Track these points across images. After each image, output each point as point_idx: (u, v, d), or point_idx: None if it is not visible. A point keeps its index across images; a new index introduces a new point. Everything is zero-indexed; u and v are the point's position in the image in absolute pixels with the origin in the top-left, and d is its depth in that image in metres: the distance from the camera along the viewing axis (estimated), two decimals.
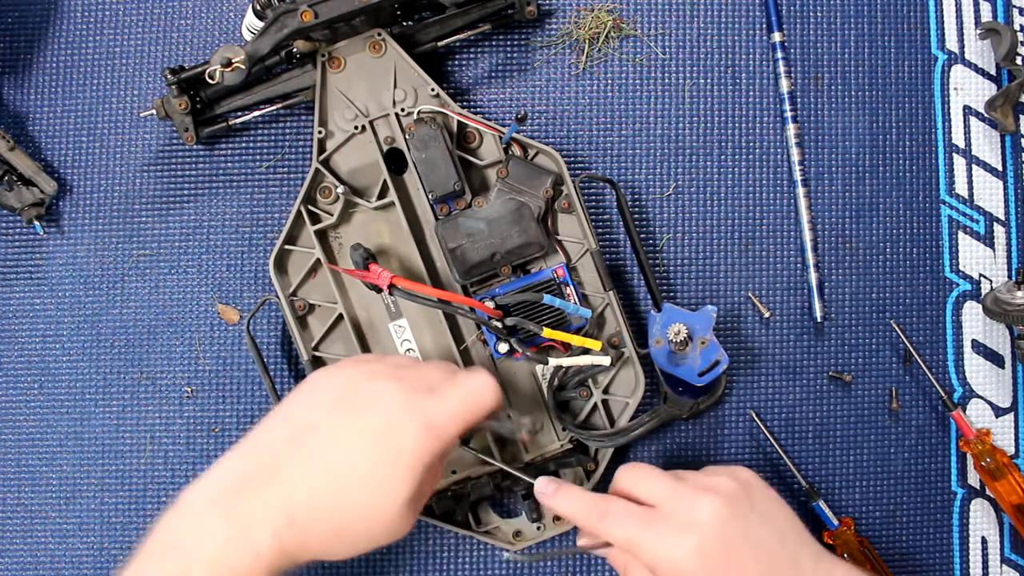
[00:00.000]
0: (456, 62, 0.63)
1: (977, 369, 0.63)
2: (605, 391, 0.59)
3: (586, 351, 0.56)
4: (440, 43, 0.60)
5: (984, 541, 0.63)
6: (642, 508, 0.48)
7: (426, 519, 0.58)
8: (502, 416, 0.57)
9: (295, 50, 0.58)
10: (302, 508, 0.43)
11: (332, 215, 0.58)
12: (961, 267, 0.64)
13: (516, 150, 0.58)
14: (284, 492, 0.43)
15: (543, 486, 0.50)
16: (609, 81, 0.63)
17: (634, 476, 0.50)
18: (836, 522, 0.60)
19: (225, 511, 0.43)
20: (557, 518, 0.58)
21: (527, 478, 0.53)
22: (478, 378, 0.47)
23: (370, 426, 0.44)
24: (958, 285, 0.64)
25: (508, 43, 0.63)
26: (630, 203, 0.63)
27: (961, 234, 0.64)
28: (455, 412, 0.45)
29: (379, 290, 0.53)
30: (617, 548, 0.48)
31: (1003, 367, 0.64)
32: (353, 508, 0.43)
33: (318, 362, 0.59)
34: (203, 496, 0.44)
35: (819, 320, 0.62)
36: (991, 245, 0.64)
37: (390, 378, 0.46)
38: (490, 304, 0.56)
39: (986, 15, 0.65)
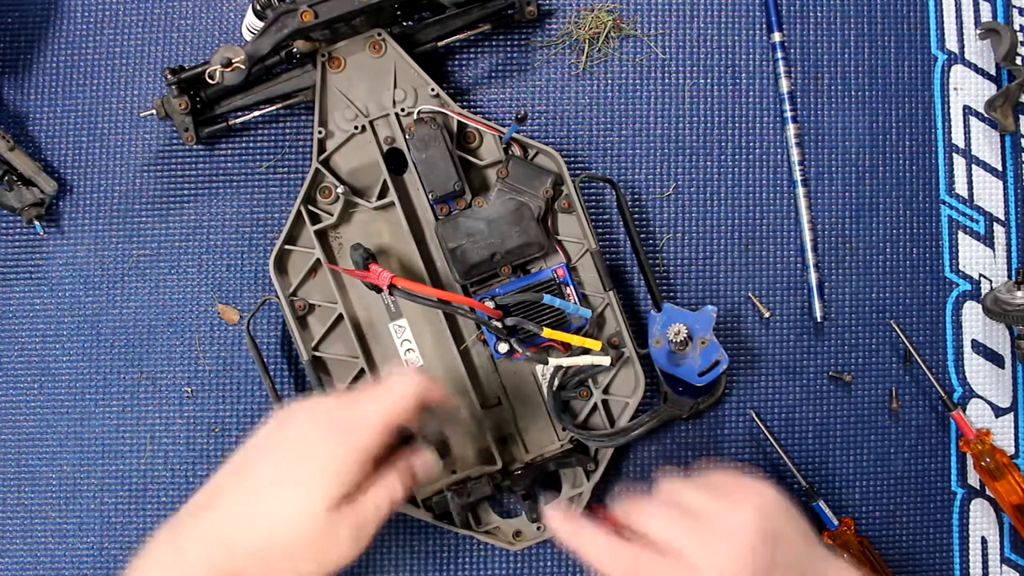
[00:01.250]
0: (456, 62, 0.63)
1: (977, 369, 0.63)
2: (605, 391, 0.59)
3: (586, 351, 0.56)
4: (440, 43, 0.60)
5: (984, 541, 0.63)
6: (668, 566, 0.45)
7: (426, 519, 0.58)
8: (451, 412, 0.53)
9: (295, 50, 0.58)
10: (230, 529, 0.46)
11: (332, 215, 0.58)
12: (961, 267, 0.64)
13: (516, 150, 0.58)
14: (216, 517, 0.46)
15: (558, 522, 0.49)
16: (609, 81, 0.63)
17: (645, 517, 0.48)
18: (836, 522, 0.60)
19: (170, 537, 0.47)
20: None
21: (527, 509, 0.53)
22: (395, 376, 0.49)
23: (286, 443, 0.47)
24: (958, 285, 0.64)
25: (508, 43, 0.63)
26: (630, 203, 0.63)
27: (961, 234, 0.64)
28: (366, 411, 0.47)
29: (379, 290, 0.53)
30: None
31: (1003, 367, 0.64)
32: (272, 520, 0.45)
33: (318, 362, 0.59)
34: (163, 528, 0.48)
35: (819, 320, 0.62)
36: (991, 245, 0.64)
37: (305, 405, 0.48)
38: (490, 304, 0.56)
39: (986, 15, 0.65)
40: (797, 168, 0.63)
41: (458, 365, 0.57)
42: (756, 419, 0.62)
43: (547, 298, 0.54)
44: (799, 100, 0.64)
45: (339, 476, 0.45)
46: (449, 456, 0.54)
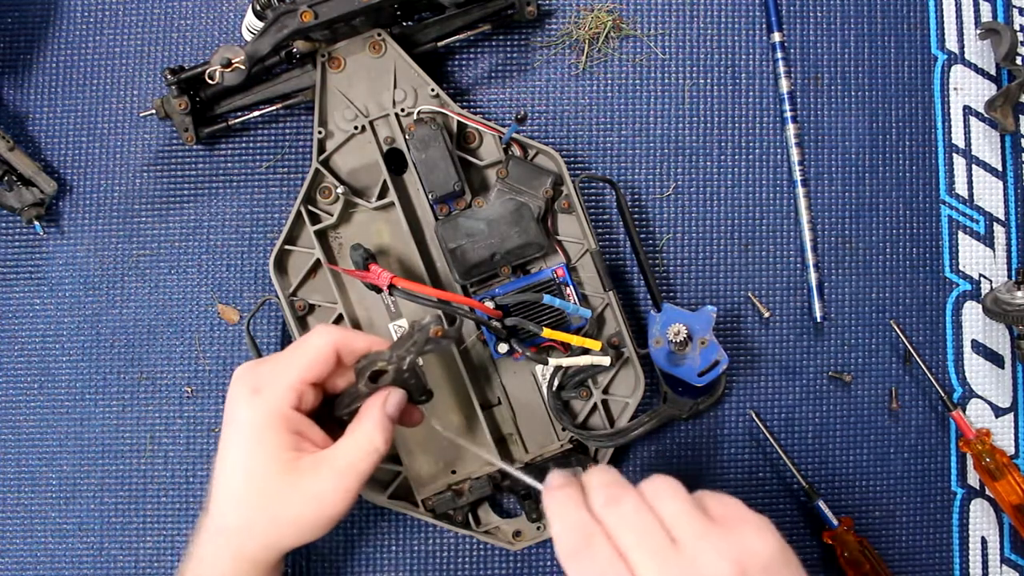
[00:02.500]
0: (456, 62, 0.63)
1: (977, 369, 0.63)
2: (605, 391, 0.59)
3: (586, 351, 0.56)
4: (440, 43, 0.60)
5: (984, 541, 0.63)
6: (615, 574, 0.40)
7: (426, 519, 0.58)
8: (392, 347, 0.49)
9: (295, 50, 0.58)
10: (218, 515, 0.48)
11: (332, 215, 0.58)
12: (961, 267, 0.64)
13: (516, 150, 0.58)
14: (210, 509, 0.48)
15: (556, 476, 0.44)
16: (609, 81, 0.63)
17: (618, 516, 0.41)
18: (836, 522, 0.60)
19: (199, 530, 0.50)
20: None
21: (528, 479, 0.47)
22: (312, 331, 0.49)
23: (226, 418, 0.49)
24: (958, 285, 0.64)
25: (508, 43, 0.63)
26: (630, 203, 0.63)
27: (961, 234, 0.64)
28: (277, 367, 0.48)
29: (379, 290, 0.53)
30: None
31: (1003, 367, 0.64)
32: (238, 492, 0.47)
33: None
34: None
35: (819, 320, 0.62)
36: (991, 245, 0.64)
37: (240, 371, 0.49)
38: (490, 304, 0.56)
39: (986, 15, 0.65)
40: (797, 168, 0.63)
41: (458, 365, 0.57)
42: (756, 419, 0.62)
43: (547, 298, 0.54)
44: (799, 100, 0.64)
45: (265, 434, 0.47)
46: (430, 395, 0.50)
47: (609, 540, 0.41)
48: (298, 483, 0.46)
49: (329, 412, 0.50)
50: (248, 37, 0.61)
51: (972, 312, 0.64)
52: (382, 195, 0.58)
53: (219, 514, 0.48)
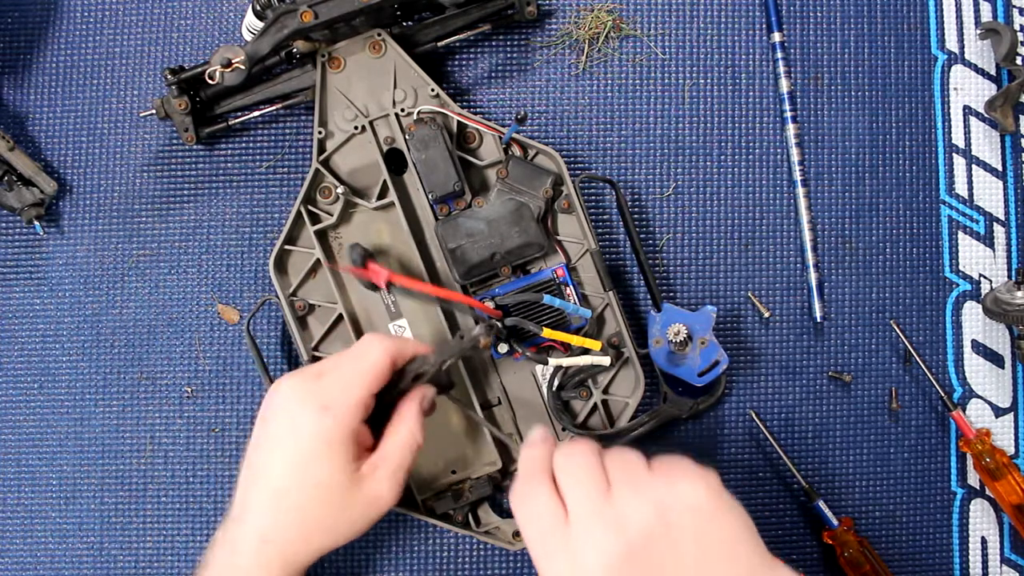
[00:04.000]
0: (456, 62, 0.63)
1: (977, 369, 0.63)
2: (605, 391, 0.59)
3: (586, 351, 0.56)
4: (440, 43, 0.60)
5: (984, 541, 0.63)
6: (551, 512, 0.43)
7: (426, 519, 0.58)
8: (437, 353, 0.52)
9: (295, 50, 0.58)
10: (268, 533, 0.48)
11: (332, 215, 0.58)
12: (961, 267, 0.64)
13: (516, 150, 0.58)
14: (251, 520, 0.49)
15: (538, 433, 0.48)
16: (609, 81, 0.63)
17: (566, 462, 0.45)
18: (836, 522, 0.60)
19: (223, 539, 0.50)
20: None
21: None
22: (359, 343, 0.50)
23: (281, 432, 0.49)
24: (958, 285, 0.64)
25: (508, 43, 0.63)
26: (630, 203, 0.63)
27: (961, 234, 0.64)
28: (342, 383, 0.48)
29: (377, 288, 0.53)
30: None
31: (1003, 367, 0.64)
32: (294, 507, 0.48)
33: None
34: (219, 531, 0.51)
35: (819, 320, 0.62)
36: (991, 245, 0.64)
37: (288, 385, 0.49)
38: (490, 304, 0.56)
39: (986, 15, 0.65)
40: (797, 168, 0.63)
41: (458, 365, 0.57)
42: (756, 419, 0.62)
43: (547, 298, 0.54)
44: (799, 100, 0.64)
45: (337, 451, 0.48)
46: (453, 386, 0.54)
47: (551, 484, 0.44)
48: (359, 490, 0.48)
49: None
50: (248, 37, 0.61)
51: (972, 312, 0.64)
52: (382, 195, 0.58)
53: (270, 526, 0.48)
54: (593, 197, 0.63)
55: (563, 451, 0.45)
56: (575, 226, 0.58)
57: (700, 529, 0.41)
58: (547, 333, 0.54)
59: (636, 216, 0.63)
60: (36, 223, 0.61)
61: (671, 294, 0.63)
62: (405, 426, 0.50)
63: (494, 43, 0.63)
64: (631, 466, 0.44)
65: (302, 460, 0.48)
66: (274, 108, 0.60)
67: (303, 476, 0.48)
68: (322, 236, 0.58)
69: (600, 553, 0.41)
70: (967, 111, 0.64)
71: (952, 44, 0.65)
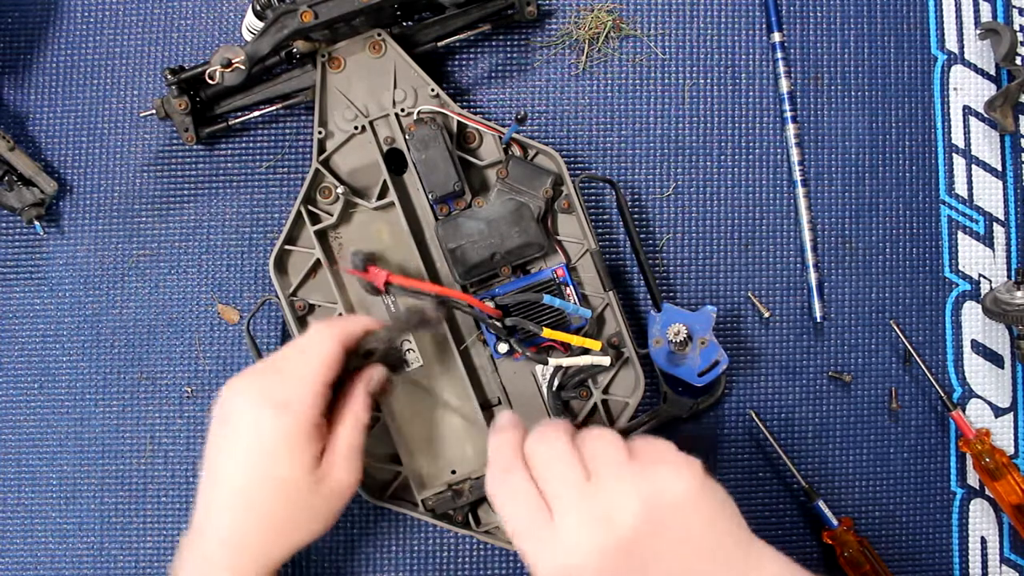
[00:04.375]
0: (456, 62, 0.63)
1: (977, 369, 0.63)
2: (605, 391, 0.59)
3: (586, 351, 0.56)
4: (440, 43, 0.60)
5: (984, 541, 0.63)
6: (532, 505, 0.42)
7: (426, 519, 0.58)
8: (386, 328, 0.52)
9: (295, 50, 0.58)
10: (233, 528, 0.48)
11: (332, 215, 0.58)
12: (961, 267, 0.64)
13: (516, 150, 0.58)
14: (216, 523, 0.48)
15: (503, 418, 0.47)
16: (609, 81, 0.63)
17: (542, 449, 0.44)
18: (836, 522, 0.60)
19: (188, 545, 0.49)
20: None
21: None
22: (308, 333, 0.50)
23: (240, 432, 0.48)
24: (958, 285, 0.64)
25: (508, 43, 0.63)
26: (630, 203, 0.63)
27: (961, 234, 0.64)
28: (297, 377, 0.48)
29: (378, 292, 0.53)
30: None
31: (1003, 367, 0.64)
32: (263, 507, 0.47)
33: None
34: (184, 538, 0.50)
35: (819, 320, 0.62)
36: (991, 245, 0.64)
37: (243, 384, 0.49)
38: (490, 304, 0.56)
39: (986, 15, 0.65)
40: (797, 168, 0.63)
41: (458, 365, 0.57)
42: (756, 419, 0.62)
43: (547, 298, 0.54)
44: (799, 100, 0.64)
45: (298, 448, 0.47)
46: (404, 365, 0.55)
47: (529, 473, 0.43)
48: (320, 483, 0.48)
49: None
50: (248, 37, 0.61)
51: (972, 312, 0.64)
52: (382, 195, 0.58)
53: (235, 528, 0.48)
54: (593, 197, 0.63)
55: (535, 437, 0.44)
56: (575, 226, 0.58)
57: (686, 519, 0.41)
58: (547, 333, 0.54)
59: (636, 216, 0.63)
60: (36, 223, 0.61)
61: (671, 294, 0.63)
62: (351, 410, 0.50)
63: (494, 43, 0.63)
64: (611, 452, 0.43)
65: (264, 459, 0.47)
66: (274, 108, 0.60)
67: (265, 475, 0.47)
68: (322, 236, 0.58)
69: (589, 549, 0.40)
70: (967, 111, 0.64)
71: (952, 44, 0.65)
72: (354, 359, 0.51)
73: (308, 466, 0.48)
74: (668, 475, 0.42)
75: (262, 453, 0.47)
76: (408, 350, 0.58)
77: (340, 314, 0.58)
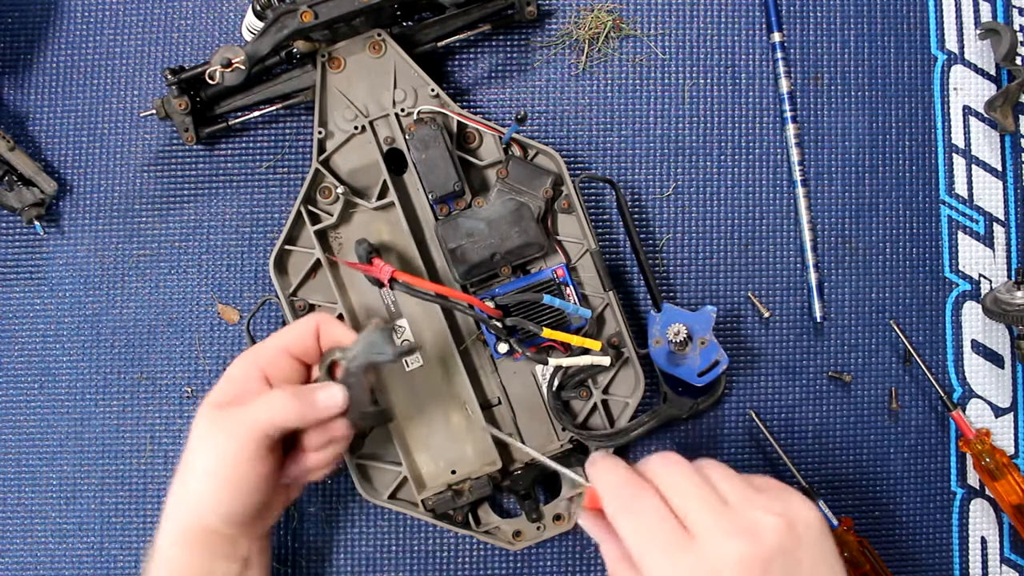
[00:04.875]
0: (456, 62, 0.63)
1: (977, 369, 0.63)
2: (605, 391, 0.59)
3: (586, 351, 0.56)
4: (440, 43, 0.60)
5: (984, 541, 0.63)
6: (669, 525, 0.42)
7: (426, 519, 0.58)
8: (356, 343, 0.51)
9: (295, 50, 0.58)
10: (178, 493, 0.50)
11: (332, 215, 0.58)
12: (961, 267, 0.64)
13: (516, 150, 0.58)
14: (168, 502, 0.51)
15: (596, 456, 0.47)
16: (609, 81, 0.63)
17: (670, 476, 0.44)
18: (836, 522, 0.60)
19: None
20: (557, 517, 0.58)
21: (569, 472, 0.49)
22: (305, 314, 0.54)
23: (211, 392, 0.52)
24: (958, 285, 0.64)
25: (508, 43, 0.63)
26: (630, 203, 0.63)
27: (961, 234, 0.64)
28: (228, 376, 0.51)
29: (380, 284, 0.53)
30: (618, 544, 0.45)
31: (1003, 367, 0.64)
32: (204, 462, 0.49)
33: None
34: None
35: (819, 320, 0.62)
36: (991, 245, 0.64)
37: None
38: (490, 304, 0.56)
39: (986, 15, 0.65)
40: (797, 168, 0.63)
41: (458, 365, 0.57)
42: (756, 419, 0.62)
43: (547, 298, 0.54)
44: (799, 100, 0.64)
45: (226, 382, 0.51)
46: (391, 416, 0.55)
47: (659, 495, 0.43)
48: (213, 423, 0.49)
49: None
50: (248, 37, 0.61)
51: (972, 312, 0.64)
52: (382, 195, 0.58)
53: (180, 492, 0.50)
54: (593, 197, 0.63)
55: (660, 462, 0.45)
56: (575, 226, 0.58)
57: (820, 542, 0.42)
58: (547, 333, 0.54)
59: (636, 216, 0.63)
60: (36, 223, 0.61)
61: (671, 294, 0.63)
62: (276, 391, 0.49)
63: (494, 43, 0.63)
64: (740, 484, 0.44)
65: (193, 449, 0.49)
66: (274, 108, 0.60)
67: (214, 432, 0.49)
68: (322, 236, 0.58)
69: (736, 560, 0.40)
70: (967, 111, 0.64)
71: (952, 44, 0.65)
72: (322, 370, 0.51)
73: (210, 400, 0.50)
74: (798, 501, 0.43)
75: (211, 408, 0.50)
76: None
77: (340, 315, 0.58)
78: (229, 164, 0.63)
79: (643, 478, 0.44)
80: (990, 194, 0.64)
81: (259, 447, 0.48)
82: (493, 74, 0.63)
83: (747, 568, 0.40)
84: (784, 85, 0.63)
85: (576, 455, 0.58)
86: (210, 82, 0.56)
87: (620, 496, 0.44)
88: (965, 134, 0.64)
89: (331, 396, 0.50)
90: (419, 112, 0.57)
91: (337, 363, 0.51)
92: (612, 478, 0.44)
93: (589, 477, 0.46)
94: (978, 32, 0.64)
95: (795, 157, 0.63)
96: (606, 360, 0.55)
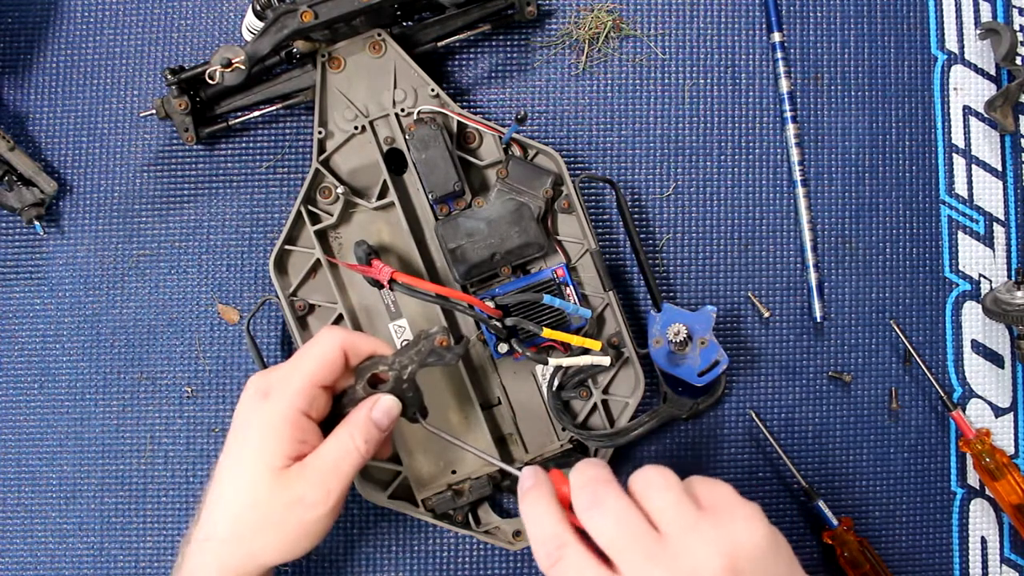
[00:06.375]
0: (456, 62, 0.63)
1: (977, 369, 0.63)
2: (605, 391, 0.59)
3: (586, 351, 0.56)
4: (440, 43, 0.60)
5: (984, 541, 0.63)
6: (644, 532, 0.40)
7: (426, 519, 0.58)
8: (396, 354, 0.50)
9: (295, 50, 0.58)
10: (207, 523, 0.48)
11: (332, 215, 0.58)
12: (961, 267, 0.64)
13: (516, 150, 0.58)
14: (200, 519, 0.48)
15: (526, 476, 0.44)
16: (609, 81, 0.63)
17: (601, 513, 0.41)
18: (836, 522, 0.60)
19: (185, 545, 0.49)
20: None
21: (511, 469, 0.49)
22: (319, 334, 0.50)
23: (233, 429, 0.49)
24: (958, 285, 0.64)
25: (508, 43, 0.63)
26: (630, 203, 0.63)
27: (961, 234, 0.64)
28: (287, 369, 0.48)
29: (380, 285, 0.53)
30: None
31: (1003, 367, 0.64)
32: (230, 496, 0.47)
33: None
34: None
35: (819, 320, 0.62)
36: (991, 245, 0.64)
37: (250, 379, 0.49)
38: (490, 304, 0.56)
39: (986, 15, 0.65)
40: (797, 168, 0.63)
41: (458, 365, 0.57)
42: (756, 419, 0.62)
43: (547, 298, 0.54)
44: (799, 100, 0.64)
45: (268, 439, 0.46)
46: (424, 414, 0.51)
47: (586, 544, 0.40)
48: (284, 488, 0.46)
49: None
50: (248, 37, 0.61)
51: (972, 312, 0.64)
52: (382, 195, 0.58)
53: (209, 523, 0.47)
54: (593, 197, 0.63)
55: (593, 507, 0.41)
56: (575, 226, 0.58)
57: (764, 571, 0.40)
58: (547, 333, 0.54)
59: (636, 216, 0.63)
60: (36, 223, 0.61)
61: (671, 294, 0.63)
62: (346, 429, 0.47)
63: (494, 43, 0.63)
64: (680, 508, 0.41)
65: (237, 453, 0.47)
66: (274, 108, 0.60)
67: (235, 469, 0.47)
68: (322, 236, 0.58)
69: (713, 561, 0.38)
70: (967, 111, 0.64)
71: (952, 44, 0.65)
72: (361, 384, 0.49)
73: (270, 463, 0.46)
74: (743, 527, 0.40)
75: (241, 444, 0.47)
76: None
77: (340, 315, 0.58)
78: (229, 164, 0.63)
79: (575, 521, 0.41)
80: (990, 194, 0.64)
81: (343, 495, 0.48)
82: (493, 74, 0.63)
83: (717, 570, 0.38)
84: (784, 85, 0.63)
85: (576, 455, 0.58)
86: (210, 82, 0.56)
87: (543, 552, 0.41)
88: (965, 134, 0.64)
89: (388, 411, 0.49)
90: (419, 112, 0.57)
91: (380, 375, 0.49)
92: (537, 530, 0.42)
93: (521, 513, 0.43)
94: (978, 32, 0.64)
95: (795, 157, 0.63)
96: (606, 360, 0.55)
